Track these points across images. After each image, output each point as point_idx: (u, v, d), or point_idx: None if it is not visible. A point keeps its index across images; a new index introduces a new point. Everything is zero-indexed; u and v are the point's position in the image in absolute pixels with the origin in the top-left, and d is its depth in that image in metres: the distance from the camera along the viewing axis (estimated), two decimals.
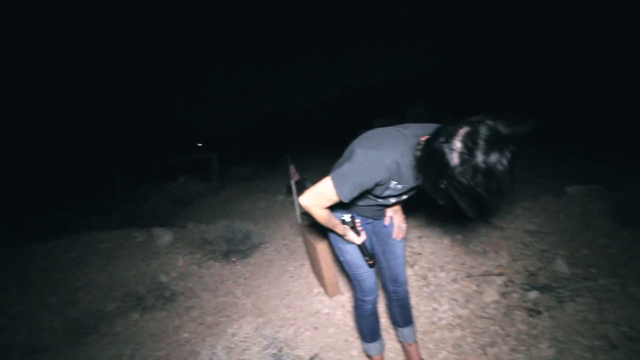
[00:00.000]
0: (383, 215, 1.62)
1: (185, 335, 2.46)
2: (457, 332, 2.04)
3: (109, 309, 2.86)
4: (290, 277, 3.00)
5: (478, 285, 2.36)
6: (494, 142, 0.91)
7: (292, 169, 4.35)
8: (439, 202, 1.12)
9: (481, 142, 0.91)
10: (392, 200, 1.40)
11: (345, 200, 1.21)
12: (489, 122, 0.93)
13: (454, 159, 0.96)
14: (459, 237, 2.93)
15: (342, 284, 2.65)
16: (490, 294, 2.25)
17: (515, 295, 2.22)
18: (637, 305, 1.97)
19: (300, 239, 3.77)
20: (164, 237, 4.04)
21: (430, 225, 3.21)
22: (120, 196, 6.87)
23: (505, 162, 0.91)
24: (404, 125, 1.30)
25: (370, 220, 1.62)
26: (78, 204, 6.77)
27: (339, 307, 2.45)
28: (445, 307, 2.26)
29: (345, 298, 2.51)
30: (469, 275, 2.48)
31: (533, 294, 2.19)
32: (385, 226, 1.63)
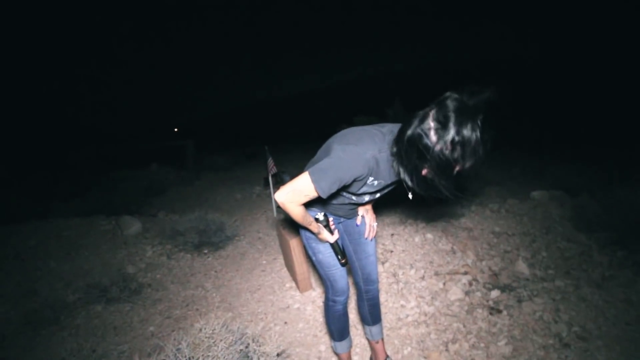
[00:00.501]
0: (355, 214, 1.63)
1: (151, 329, 2.40)
2: (422, 329, 2.11)
3: (70, 300, 2.74)
4: (263, 271, 2.98)
5: (444, 284, 2.44)
6: (463, 113, 0.94)
7: (270, 161, 4.30)
8: (420, 193, 1.14)
9: (452, 115, 0.94)
10: (366, 198, 1.41)
11: (324, 196, 1.19)
12: (454, 95, 0.97)
13: (431, 137, 0.98)
14: (429, 236, 3.01)
15: (314, 279, 2.67)
16: (456, 292, 2.33)
17: (478, 293, 2.32)
18: (588, 306, 2.11)
19: (275, 233, 3.75)
20: (133, 226, 3.90)
21: (402, 223, 3.28)
22: (87, 182, 6.55)
23: (478, 130, 0.95)
24: (380, 124, 1.31)
25: (342, 220, 1.63)
26: (38, 190, 6.39)
27: (310, 302, 2.47)
28: (413, 304, 2.32)
29: (316, 293, 2.53)
30: (436, 274, 2.56)
31: (495, 293, 2.29)
32: (357, 225, 1.64)
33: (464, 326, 2.07)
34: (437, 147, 0.98)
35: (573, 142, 9.09)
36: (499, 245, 2.82)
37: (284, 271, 2.91)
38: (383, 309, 2.30)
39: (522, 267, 2.53)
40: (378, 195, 1.42)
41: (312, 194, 1.21)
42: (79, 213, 4.54)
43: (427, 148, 0.99)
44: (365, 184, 1.27)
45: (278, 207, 4.49)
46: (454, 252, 2.77)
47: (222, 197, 5.41)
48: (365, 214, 1.64)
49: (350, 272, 1.73)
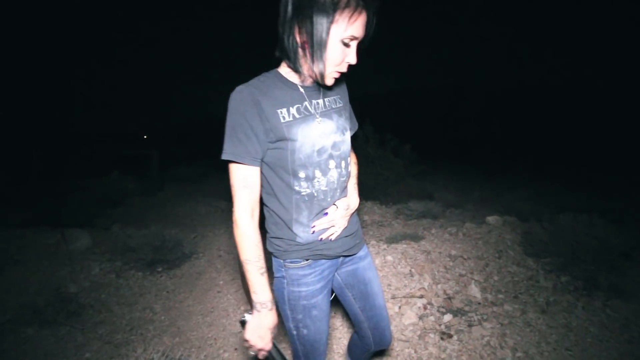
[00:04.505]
0: (358, 239, 1.18)
1: (87, 355, 2.20)
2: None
3: None
4: (219, 292, 2.86)
5: (400, 307, 2.45)
6: None
7: None
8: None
9: None
10: (328, 148, 0.99)
11: (235, 157, 0.91)
12: None
13: None
14: (389, 258, 3.04)
15: None
16: (410, 317, 2.35)
17: (432, 318, 2.34)
18: (532, 331, 2.19)
19: (236, 251, 3.64)
20: (81, 240, 3.64)
21: (365, 244, 3.29)
22: (34, 187, 6.08)
23: None
24: None
25: (340, 260, 1.14)
26: None
27: None
28: None
29: None
30: (393, 297, 2.57)
31: (447, 317, 2.33)
32: (358, 269, 1.18)
33: (415, 352, 2.07)
34: None
35: (529, 167, 9.73)
36: (455, 268, 2.89)
37: (241, 292, 2.81)
38: (337, 334, 2.26)
39: (474, 290, 2.60)
40: (337, 136, 1.02)
41: (240, 174, 0.93)
42: (22, 224, 4.18)
43: None
44: (279, 120, 0.92)
45: None
46: (412, 275, 2.81)
47: (184, 211, 5.21)
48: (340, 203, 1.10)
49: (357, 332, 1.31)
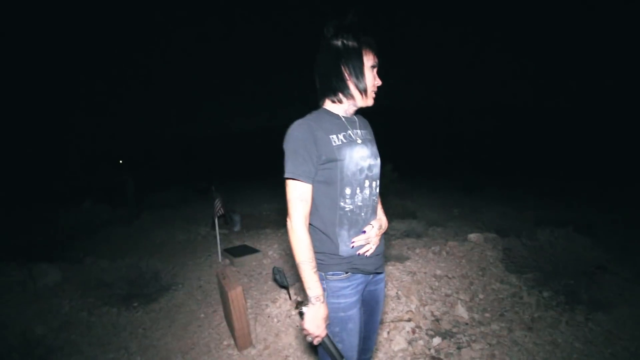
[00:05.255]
0: (384, 260, 1.36)
1: None
2: None
3: None
4: (199, 326, 2.72)
5: (389, 332, 2.40)
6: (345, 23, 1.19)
7: (217, 202, 4.11)
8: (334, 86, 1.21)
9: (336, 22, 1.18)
10: (360, 162, 1.19)
11: (297, 175, 1.11)
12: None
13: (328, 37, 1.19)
14: None
15: (255, 334, 2.48)
16: (399, 342, 2.30)
17: (421, 342, 2.30)
18: (520, 350, 2.19)
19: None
20: (50, 275, 3.42)
21: None
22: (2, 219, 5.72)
23: (355, 18, 1.16)
24: None
25: (370, 277, 1.30)
26: None
27: None
28: None
29: (256, 351, 2.34)
30: (381, 322, 2.52)
31: (436, 341, 2.29)
32: (377, 289, 1.35)
33: None
34: (335, 40, 1.17)
35: (507, 183, 10.07)
36: (441, 288, 2.89)
37: (223, 325, 2.68)
38: None
39: (461, 310, 2.60)
40: (371, 160, 1.23)
41: (298, 190, 1.13)
42: None
43: (328, 44, 1.19)
44: (331, 144, 1.14)
45: (224, 251, 4.24)
46: (399, 298, 2.78)
47: (162, 239, 5.02)
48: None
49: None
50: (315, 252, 1.19)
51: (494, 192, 8.64)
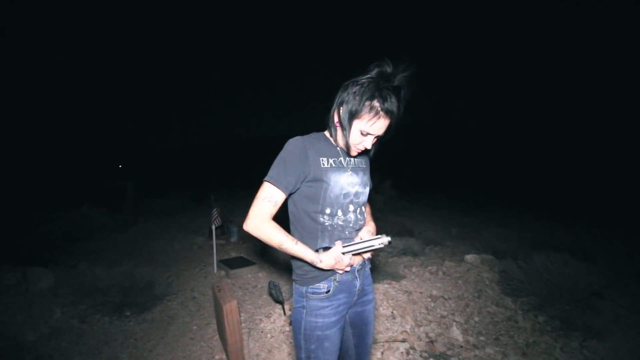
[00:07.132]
0: (371, 280, 1.37)
1: None
2: None
3: None
4: (192, 338, 2.69)
5: (382, 353, 2.38)
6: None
7: (214, 212, 4.12)
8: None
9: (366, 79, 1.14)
10: (346, 188, 1.23)
11: (279, 184, 1.16)
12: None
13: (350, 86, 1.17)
14: None
15: (247, 350, 2.45)
16: None
17: None
18: None
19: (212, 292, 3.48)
20: (43, 280, 3.39)
21: None
22: None
23: (391, 95, 1.11)
24: None
25: (354, 300, 1.29)
26: None
27: None
28: None
29: None
30: (375, 342, 2.50)
31: None
32: (365, 311, 1.34)
33: None
34: (352, 88, 1.14)
35: (502, 203, 10.09)
36: (436, 309, 2.87)
37: (216, 339, 2.65)
38: None
39: (456, 332, 2.58)
40: (359, 188, 1.27)
41: (270, 192, 1.17)
42: None
43: (351, 81, 1.16)
44: (320, 165, 1.19)
45: (220, 262, 4.22)
46: (394, 317, 2.76)
47: (158, 247, 4.99)
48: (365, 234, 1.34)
49: None
50: (297, 267, 1.25)
51: (493, 212, 8.65)
